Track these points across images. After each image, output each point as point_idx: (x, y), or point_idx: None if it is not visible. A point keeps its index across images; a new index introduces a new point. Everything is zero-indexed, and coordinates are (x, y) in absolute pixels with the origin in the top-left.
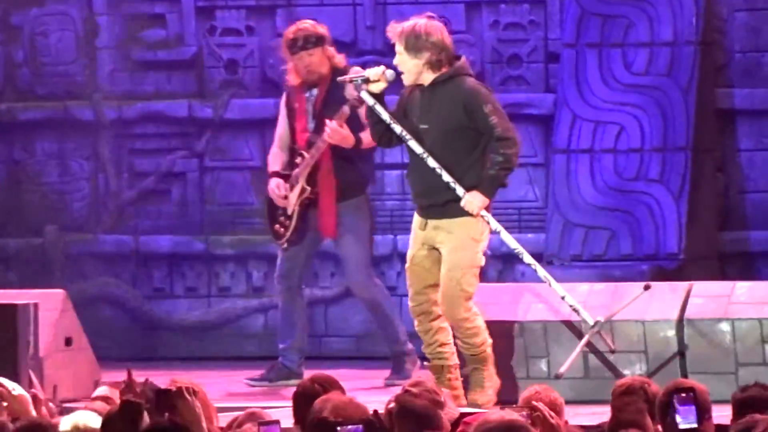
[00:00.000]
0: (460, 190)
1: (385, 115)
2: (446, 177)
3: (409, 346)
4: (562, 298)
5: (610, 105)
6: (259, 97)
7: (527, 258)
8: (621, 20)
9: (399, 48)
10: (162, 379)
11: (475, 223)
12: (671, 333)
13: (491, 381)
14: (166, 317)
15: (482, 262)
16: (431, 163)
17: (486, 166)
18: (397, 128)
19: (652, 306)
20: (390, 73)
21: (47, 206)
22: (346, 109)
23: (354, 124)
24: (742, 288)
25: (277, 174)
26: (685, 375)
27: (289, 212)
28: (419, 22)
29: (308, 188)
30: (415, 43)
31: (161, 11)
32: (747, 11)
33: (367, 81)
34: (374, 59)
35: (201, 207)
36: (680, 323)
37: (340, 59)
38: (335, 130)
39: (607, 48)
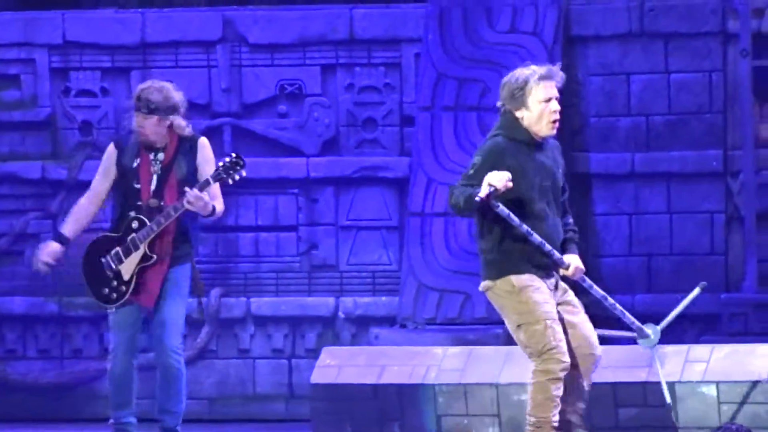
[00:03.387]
0: (561, 257)
1: (517, 221)
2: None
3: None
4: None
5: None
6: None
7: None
8: (477, 84)
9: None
10: None
11: None
12: (525, 396)
13: None
14: (19, 378)
15: None
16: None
17: (567, 227)
18: (524, 228)
19: (505, 370)
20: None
21: None
22: (211, 181)
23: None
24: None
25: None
26: None
27: (126, 277)
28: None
29: (153, 256)
30: None
31: (16, 72)
32: (602, 76)
33: (496, 190)
34: (229, 121)
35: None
36: None
37: (185, 128)
38: (198, 197)
39: (463, 111)
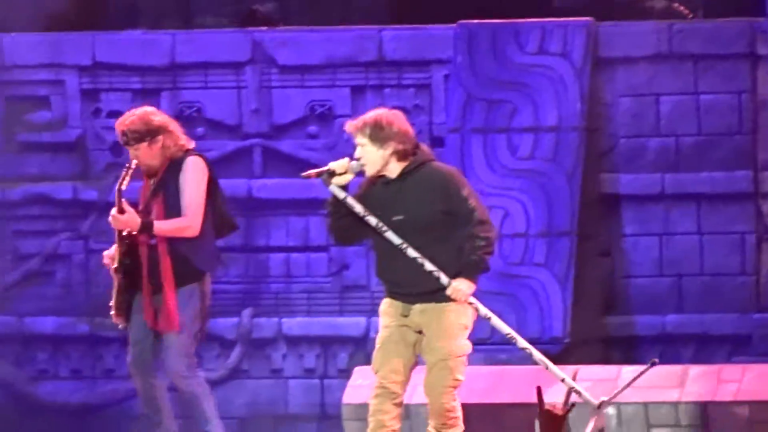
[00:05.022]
0: (444, 279)
1: (358, 208)
2: (429, 266)
3: None
4: (562, 380)
5: (495, 190)
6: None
7: (521, 342)
8: (506, 105)
9: (362, 140)
10: None
11: (465, 309)
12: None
13: None
14: (50, 399)
15: (470, 349)
16: (411, 253)
17: (466, 251)
18: (373, 220)
19: (521, 388)
20: (355, 163)
21: None
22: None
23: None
24: (628, 372)
25: None
26: None
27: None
28: (381, 112)
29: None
30: (380, 133)
31: (45, 93)
32: (631, 97)
33: (332, 174)
34: (259, 142)
35: (86, 289)
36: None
37: (178, 148)
38: (114, 218)
39: (492, 133)
